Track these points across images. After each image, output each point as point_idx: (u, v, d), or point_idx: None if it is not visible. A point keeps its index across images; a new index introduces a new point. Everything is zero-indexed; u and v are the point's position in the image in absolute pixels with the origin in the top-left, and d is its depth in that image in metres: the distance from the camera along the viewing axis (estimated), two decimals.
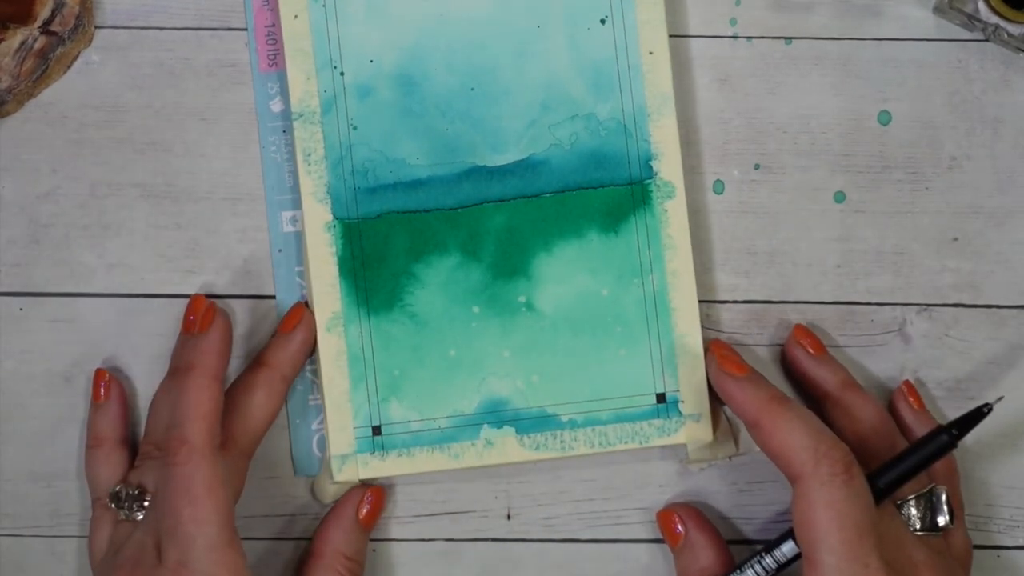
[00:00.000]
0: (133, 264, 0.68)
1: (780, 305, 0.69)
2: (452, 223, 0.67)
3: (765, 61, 0.69)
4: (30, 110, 0.69)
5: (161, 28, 0.69)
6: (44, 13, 0.66)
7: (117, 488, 0.64)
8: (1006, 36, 0.67)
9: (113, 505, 0.64)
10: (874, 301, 0.69)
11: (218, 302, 0.68)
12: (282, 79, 0.68)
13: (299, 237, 0.68)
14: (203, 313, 0.65)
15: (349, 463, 0.66)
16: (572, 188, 0.67)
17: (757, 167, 0.69)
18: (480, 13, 0.67)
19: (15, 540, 0.69)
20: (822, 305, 0.69)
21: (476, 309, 0.67)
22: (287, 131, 0.68)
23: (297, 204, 0.67)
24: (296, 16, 0.66)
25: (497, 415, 0.67)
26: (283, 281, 0.68)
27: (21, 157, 0.69)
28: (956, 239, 0.69)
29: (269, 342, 0.67)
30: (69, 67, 0.68)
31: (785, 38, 0.69)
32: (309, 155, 0.66)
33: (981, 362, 0.69)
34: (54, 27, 0.67)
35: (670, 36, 0.68)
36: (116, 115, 0.69)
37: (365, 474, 0.67)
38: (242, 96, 0.69)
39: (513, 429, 0.67)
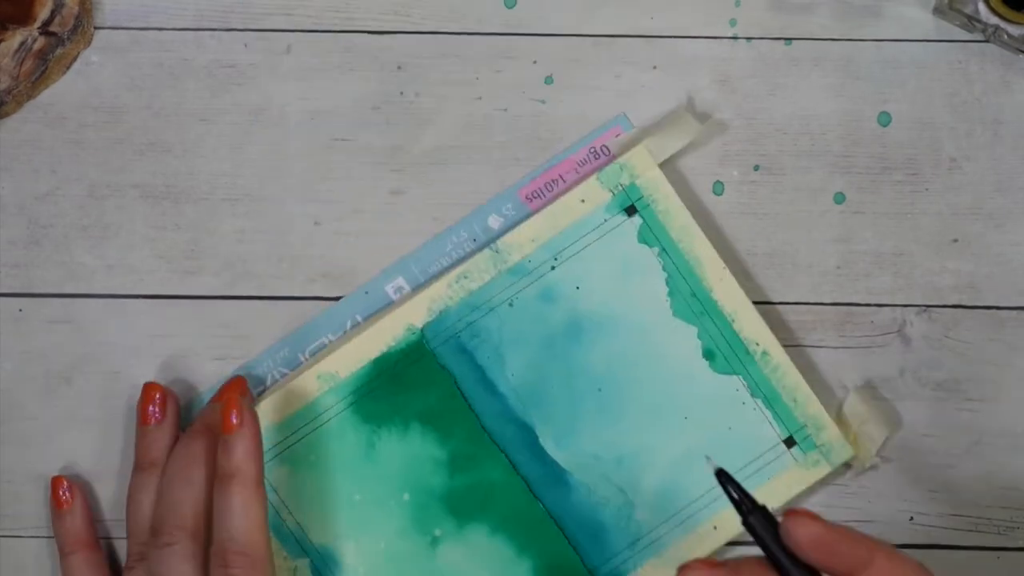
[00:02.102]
0: (132, 265, 0.69)
1: (780, 306, 0.69)
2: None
3: (765, 62, 0.69)
4: (29, 111, 0.69)
5: (161, 29, 0.69)
6: (43, 14, 0.66)
7: None
8: (1006, 37, 0.67)
9: None
10: (874, 302, 0.69)
11: (219, 303, 0.68)
12: None
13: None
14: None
15: None
16: None
17: (757, 168, 0.69)
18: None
19: (15, 540, 0.69)
20: (822, 306, 0.69)
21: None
22: None
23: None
24: None
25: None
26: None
27: (21, 158, 0.69)
28: (956, 240, 0.69)
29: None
30: (68, 68, 0.68)
31: (785, 39, 0.69)
32: None
33: (981, 363, 0.69)
34: (53, 28, 0.67)
35: (670, 38, 0.68)
36: (115, 116, 0.69)
37: None
38: (242, 97, 0.69)
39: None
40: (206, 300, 0.69)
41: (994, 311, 0.69)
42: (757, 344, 0.67)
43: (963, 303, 0.69)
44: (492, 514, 0.66)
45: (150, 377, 0.68)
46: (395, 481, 0.66)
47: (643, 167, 0.67)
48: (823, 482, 0.68)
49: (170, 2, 0.69)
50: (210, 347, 0.68)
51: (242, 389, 0.65)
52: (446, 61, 0.69)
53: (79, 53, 0.68)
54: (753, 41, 0.69)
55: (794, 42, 0.69)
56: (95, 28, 0.69)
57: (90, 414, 0.69)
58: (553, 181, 0.68)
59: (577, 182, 0.68)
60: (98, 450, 0.68)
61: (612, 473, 0.67)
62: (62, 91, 0.69)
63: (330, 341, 0.68)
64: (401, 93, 0.69)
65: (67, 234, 0.68)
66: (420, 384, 0.66)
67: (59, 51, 0.67)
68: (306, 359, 0.68)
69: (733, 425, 0.67)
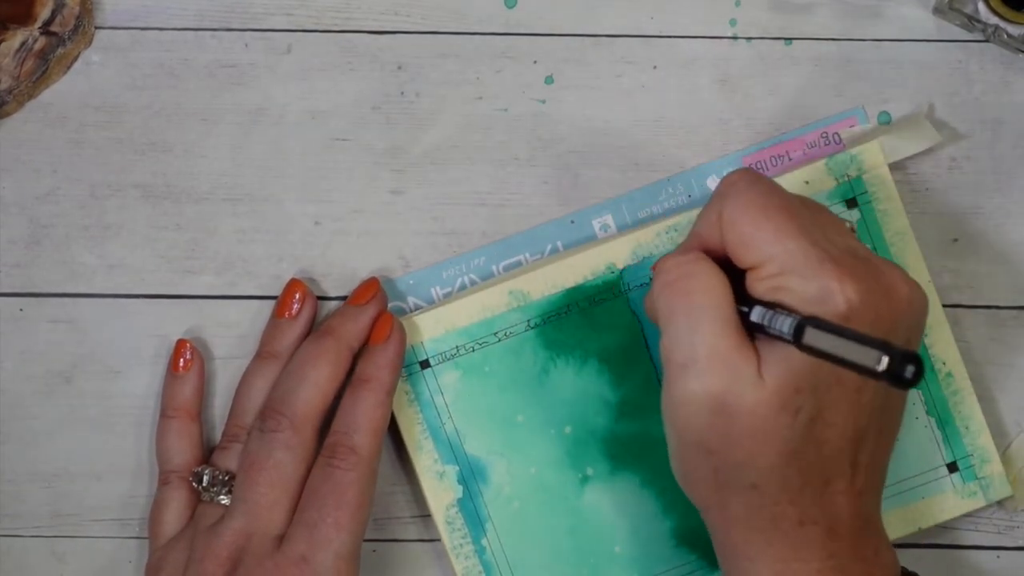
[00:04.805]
0: (133, 265, 0.69)
1: None
2: None
3: (765, 62, 0.69)
4: (30, 111, 0.69)
5: (161, 29, 0.69)
6: (44, 14, 0.66)
7: (205, 470, 0.65)
8: (1006, 37, 0.67)
9: (196, 485, 0.65)
10: None
11: (219, 303, 0.68)
12: None
13: None
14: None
15: None
16: None
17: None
18: None
19: (15, 540, 0.69)
20: None
21: None
22: None
23: None
24: None
25: None
26: None
27: (21, 157, 0.69)
28: (956, 240, 0.69)
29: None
30: (69, 68, 0.68)
31: (785, 39, 0.69)
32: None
33: (981, 363, 0.69)
34: (54, 28, 0.67)
35: (670, 38, 0.68)
36: (116, 115, 0.69)
37: None
38: (242, 97, 0.69)
39: None
40: (206, 300, 0.69)
41: (994, 311, 0.69)
42: (944, 363, 0.67)
43: (963, 303, 0.69)
44: (647, 467, 0.66)
45: (149, 376, 0.68)
46: (560, 412, 0.66)
47: (873, 163, 0.66)
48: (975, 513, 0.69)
49: (171, 2, 0.69)
50: (210, 347, 0.68)
51: (382, 297, 0.66)
52: (446, 61, 0.69)
53: (80, 53, 0.68)
54: (753, 41, 0.69)
55: (794, 42, 0.69)
56: (96, 28, 0.69)
57: (90, 414, 0.69)
58: (779, 156, 0.68)
59: (803, 162, 0.68)
60: (98, 450, 0.68)
61: None
62: (63, 91, 0.69)
63: (527, 261, 0.68)
64: (401, 93, 0.69)
65: (68, 234, 0.68)
66: (608, 324, 0.66)
67: (60, 51, 0.67)
68: (499, 272, 0.68)
69: (901, 437, 0.66)
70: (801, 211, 0.58)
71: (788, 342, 0.54)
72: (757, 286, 0.57)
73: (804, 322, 0.53)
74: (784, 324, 0.54)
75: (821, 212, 0.59)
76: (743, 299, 0.57)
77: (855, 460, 0.57)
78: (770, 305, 0.56)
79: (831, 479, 0.57)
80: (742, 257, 0.57)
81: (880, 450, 0.59)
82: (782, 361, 0.56)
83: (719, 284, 0.57)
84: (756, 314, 0.56)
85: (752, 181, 0.58)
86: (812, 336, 0.53)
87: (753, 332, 0.57)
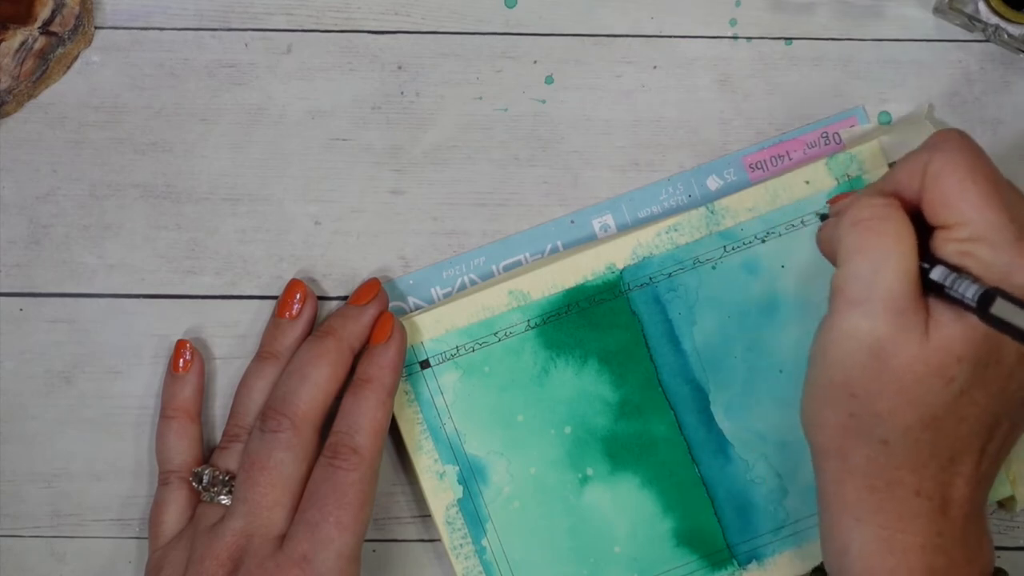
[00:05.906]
0: (133, 264, 0.69)
1: None
2: None
3: (765, 61, 0.69)
4: (30, 111, 0.69)
5: (161, 28, 0.69)
6: (44, 14, 0.66)
7: (205, 471, 0.65)
8: (1006, 37, 0.67)
9: (196, 485, 0.65)
10: None
11: (219, 303, 0.68)
12: None
13: None
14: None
15: None
16: None
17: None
18: None
19: (15, 540, 0.69)
20: None
21: None
22: None
23: None
24: None
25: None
26: None
27: (21, 157, 0.69)
28: None
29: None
30: (69, 68, 0.68)
31: (785, 38, 0.69)
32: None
33: None
34: (54, 28, 0.67)
35: (670, 38, 0.68)
36: (116, 115, 0.69)
37: None
38: (242, 96, 0.69)
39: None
40: (206, 300, 0.69)
41: None
42: None
43: None
44: (647, 467, 0.66)
45: (150, 377, 0.68)
46: (561, 412, 0.66)
47: (873, 164, 0.66)
48: None
49: (171, 2, 0.69)
50: (210, 347, 0.68)
51: (383, 297, 0.66)
52: (446, 61, 0.69)
53: (80, 53, 0.68)
54: (753, 41, 0.69)
55: (794, 42, 0.69)
56: (96, 28, 0.69)
57: (90, 414, 0.69)
58: (779, 156, 0.68)
59: (803, 162, 0.68)
60: (98, 450, 0.68)
61: (773, 456, 0.66)
62: (63, 91, 0.69)
63: (527, 261, 0.68)
64: (401, 93, 0.69)
65: (68, 234, 0.68)
66: (608, 324, 0.66)
67: (60, 51, 0.67)
68: (499, 272, 0.68)
69: None
70: (1006, 186, 0.57)
71: (967, 307, 0.53)
72: (944, 246, 0.56)
73: (994, 291, 0.52)
74: (969, 289, 0.54)
75: (1022, 196, 0.59)
76: (923, 255, 0.56)
77: (984, 446, 0.57)
78: (953, 268, 0.55)
79: (957, 458, 0.57)
80: (938, 214, 0.57)
81: (1008, 443, 0.58)
82: (951, 324, 0.55)
83: (909, 234, 0.56)
84: (938, 273, 0.55)
85: (965, 142, 0.58)
86: (1001, 307, 0.52)
87: (928, 290, 0.56)
